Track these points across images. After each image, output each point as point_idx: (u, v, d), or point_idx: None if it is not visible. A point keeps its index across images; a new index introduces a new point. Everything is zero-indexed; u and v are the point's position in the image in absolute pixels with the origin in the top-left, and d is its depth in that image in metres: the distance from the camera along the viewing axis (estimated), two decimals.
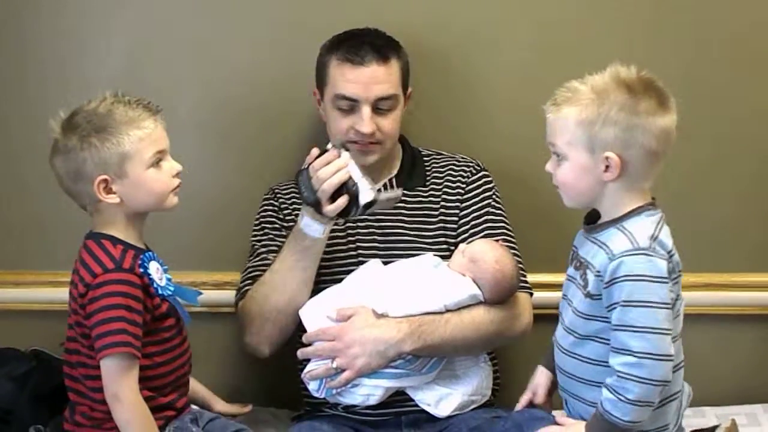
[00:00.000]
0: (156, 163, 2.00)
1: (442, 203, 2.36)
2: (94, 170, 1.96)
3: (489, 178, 2.40)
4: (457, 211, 2.35)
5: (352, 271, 2.27)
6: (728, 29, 2.52)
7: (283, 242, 2.31)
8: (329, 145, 2.17)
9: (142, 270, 1.98)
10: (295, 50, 2.50)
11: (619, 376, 1.82)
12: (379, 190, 2.19)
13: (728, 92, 2.55)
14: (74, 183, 1.99)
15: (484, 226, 2.34)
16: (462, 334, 2.16)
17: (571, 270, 1.98)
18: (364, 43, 2.26)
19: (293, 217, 2.36)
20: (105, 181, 1.96)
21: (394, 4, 2.52)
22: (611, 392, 1.83)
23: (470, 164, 2.41)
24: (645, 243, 1.83)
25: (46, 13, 2.53)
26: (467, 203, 2.36)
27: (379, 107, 2.26)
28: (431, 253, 2.28)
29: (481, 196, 2.37)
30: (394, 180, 2.38)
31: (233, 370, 2.64)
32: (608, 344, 1.87)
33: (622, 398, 1.81)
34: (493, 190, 2.39)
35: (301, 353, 2.21)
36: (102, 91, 2.02)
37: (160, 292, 2.01)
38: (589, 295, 1.89)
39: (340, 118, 2.28)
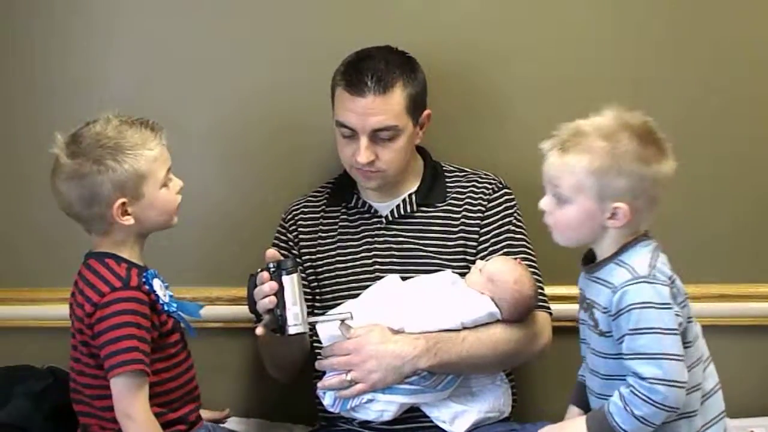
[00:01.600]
0: (167, 183, 2.02)
1: (463, 220, 2.34)
2: (112, 193, 1.96)
3: (511, 196, 2.38)
4: (478, 229, 2.33)
5: (368, 286, 2.26)
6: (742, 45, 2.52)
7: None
8: (261, 269, 2.13)
9: (147, 287, 1.98)
10: (307, 67, 2.51)
11: (632, 392, 1.82)
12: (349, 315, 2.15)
13: (744, 100, 2.54)
14: (88, 207, 1.98)
15: (504, 243, 2.32)
16: (479, 352, 2.15)
17: (581, 314, 1.98)
18: (365, 71, 2.22)
19: (301, 236, 2.38)
20: (123, 203, 1.97)
21: (412, 21, 2.51)
22: (620, 400, 1.84)
23: (493, 181, 2.39)
24: (645, 271, 1.84)
25: (56, 29, 2.54)
26: (488, 220, 2.34)
27: (378, 137, 2.24)
28: (449, 270, 2.27)
29: (502, 214, 2.35)
30: (414, 196, 2.36)
31: (249, 385, 2.64)
32: None
33: (629, 410, 1.82)
34: (515, 208, 2.37)
35: (318, 365, 2.20)
36: (106, 112, 2.02)
37: (165, 308, 2.02)
38: (602, 334, 1.90)
39: (344, 145, 2.28)
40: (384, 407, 2.16)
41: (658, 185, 1.85)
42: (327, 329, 2.18)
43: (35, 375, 2.28)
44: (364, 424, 2.24)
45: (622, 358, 1.85)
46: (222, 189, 2.58)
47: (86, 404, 2.03)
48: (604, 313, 1.87)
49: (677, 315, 1.84)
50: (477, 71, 2.54)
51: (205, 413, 2.30)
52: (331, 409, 2.19)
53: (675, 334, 1.83)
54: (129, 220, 1.99)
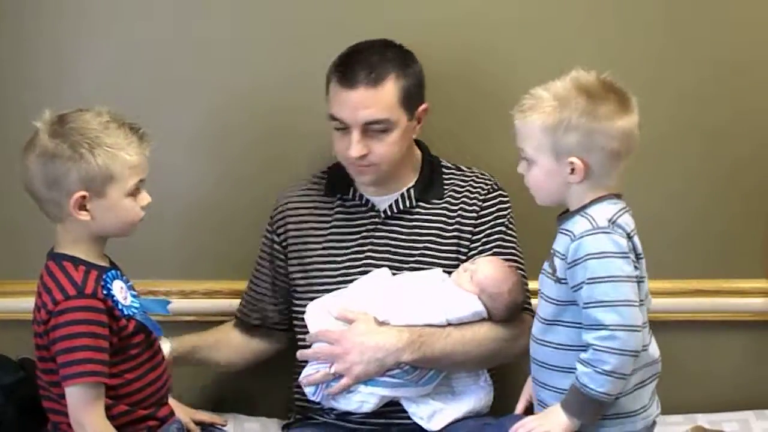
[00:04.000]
0: (135, 192, 1.97)
1: (458, 219, 2.33)
2: (74, 184, 1.92)
3: (505, 198, 2.37)
4: (472, 228, 2.32)
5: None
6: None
7: (266, 266, 2.39)
8: None
9: (105, 293, 1.95)
10: (294, 65, 2.50)
11: (594, 350, 1.86)
12: None
13: (720, 95, 2.55)
14: (48, 190, 1.93)
15: (495, 245, 2.31)
16: (462, 349, 2.16)
17: (545, 264, 2.02)
18: (357, 63, 2.21)
19: (289, 227, 2.37)
20: (83, 197, 1.93)
21: (410, 19, 2.49)
22: (586, 365, 1.87)
23: (489, 182, 2.38)
24: (604, 223, 1.91)
25: (46, 18, 2.50)
26: (482, 220, 2.33)
27: (371, 130, 2.22)
28: (440, 269, 2.27)
29: (495, 215, 2.34)
30: (412, 191, 2.35)
31: (222, 379, 2.62)
32: (574, 328, 1.93)
33: (599, 370, 1.86)
34: (508, 211, 2.36)
35: (300, 354, 2.20)
36: (96, 104, 1.99)
37: (125, 312, 1.97)
38: (558, 281, 1.95)
39: (338, 139, 2.25)
40: (364, 398, 2.15)
41: (613, 140, 1.90)
42: (318, 317, 2.18)
43: (6, 367, 2.24)
44: (341, 416, 2.24)
45: (581, 306, 1.89)
46: (197, 183, 2.56)
47: (55, 401, 2.00)
48: (562, 259, 1.93)
49: (634, 265, 1.90)
50: (477, 69, 2.53)
51: (203, 415, 2.32)
52: (312, 398, 2.19)
53: (632, 281, 1.88)
54: (85, 216, 1.94)
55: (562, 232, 1.97)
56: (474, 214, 2.33)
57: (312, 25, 2.50)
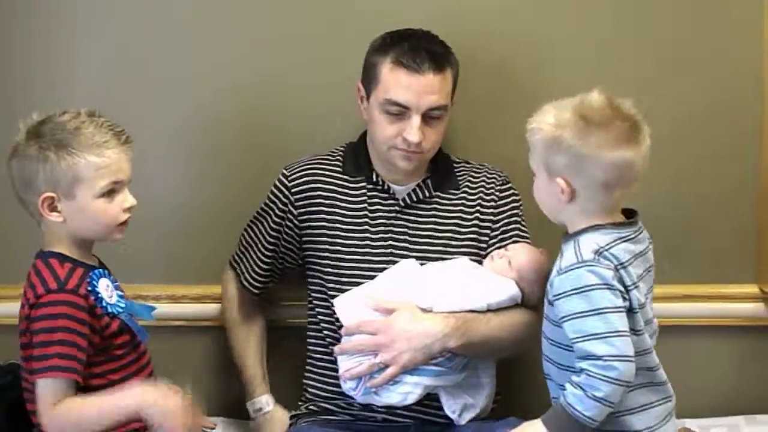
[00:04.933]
0: (108, 193, 1.96)
1: (478, 209, 2.34)
2: (42, 184, 1.93)
3: (516, 191, 2.39)
4: (492, 217, 2.34)
5: (383, 268, 2.25)
6: None
7: (275, 237, 2.36)
8: None
9: (90, 289, 1.94)
10: (286, 62, 2.50)
11: (588, 375, 1.86)
12: None
13: (706, 105, 2.55)
14: (24, 191, 1.97)
15: (513, 233, 2.34)
16: (501, 334, 2.17)
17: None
18: (421, 49, 2.21)
19: (304, 208, 2.34)
20: (51, 198, 1.93)
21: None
22: (577, 388, 1.86)
23: (501, 175, 2.40)
24: (588, 255, 1.89)
25: (37, 19, 2.51)
26: (500, 209, 2.35)
27: (429, 116, 2.22)
28: (466, 257, 2.28)
29: (511, 206, 2.37)
30: (429, 181, 2.34)
31: (213, 383, 2.61)
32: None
33: (589, 394, 1.85)
34: (521, 202, 2.38)
35: (339, 349, 2.18)
36: (82, 99, 2.01)
37: (109, 310, 1.97)
38: (550, 303, 1.96)
39: (387, 124, 2.24)
40: (410, 389, 2.14)
41: (602, 170, 1.89)
42: (352, 310, 2.17)
43: None
44: (364, 410, 2.24)
45: (569, 341, 1.89)
46: (186, 188, 2.56)
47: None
48: (550, 288, 1.95)
49: (624, 298, 1.90)
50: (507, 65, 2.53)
51: None
52: (353, 393, 2.17)
53: (619, 311, 1.87)
54: (57, 217, 1.95)
55: (559, 256, 1.96)
56: (493, 203, 2.35)
57: (300, 24, 2.50)
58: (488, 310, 2.18)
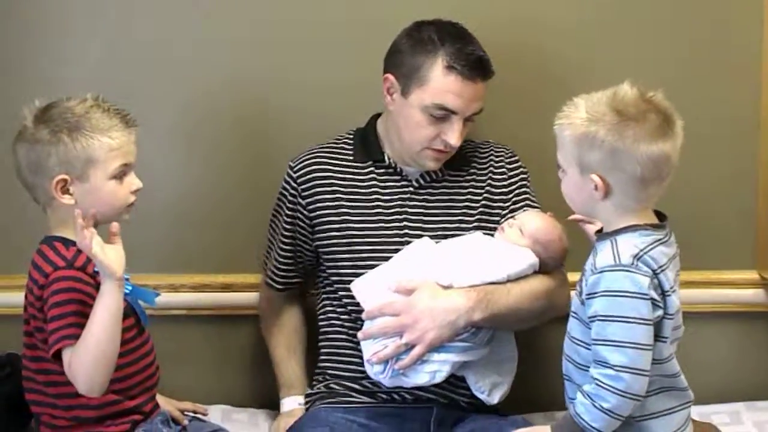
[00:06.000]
0: (119, 175, 1.98)
1: (489, 187, 2.34)
2: (56, 167, 1.94)
3: (522, 163, 2.40)
4: (504, 189, 2.34)
5: (397, 249, 2.24)
6: None
7: (291, 230, 2.34)
8: None
9: (96, 269, 1.94)
10: (285, 58, 2.49)
11: (597, 385, 1.83)
12: None
13: (706, 91, 2.55)
14: (33, 175, 1.96)
15: (524, 203, 2.34)
16: (523, 304, 2.16)
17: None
18: (474, 55, 2.18)
19: (312, 197, 2.32)
20: (64, 180, 1.94)
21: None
22: (586, 398, 1.85)
23: (507, 149, 2.40)
24: (627, 260, 1.84)
25: (28, 12, 2.49)
26: (511, 180, 2.35)
27: (467, 119, 2.23)
28: (479, 232, 2.27)
29: (520, 176, 2.37)
30: None
31: (212, 372, 2.62)
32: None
33: (597, 405, 1.83)
34: (528, 174, 2.39)
35: (363, 334, 2.17)
36: (81, 92, 2.00)
37: None
38: (582, 302, 1.91)
39: (428, 125, 2.21)
40: (437, 368, 2.14)
41: (639, 165, 1.83)
42: (371, 293, 2.16)
43: None
44: (390, 393, 2.24)
45: (591, 341, 1.86)
46: (186, 177, 2.55)
47: (39, 392, 2.01)
48: (585, 286, 1.90)
49: (656, 305, 1.85)
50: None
51: (186, 404, 2.33)
52: (380, 377, 2.16)
53: (646, 324, 1.83)
54: (69, 200, 1.95)
55: (594, 251, 1.92)
56: (504, 176, 2.35)
57: (300, 22, 2.49)
58: (508, 281, 2.17)
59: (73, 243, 1.96)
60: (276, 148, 2.50)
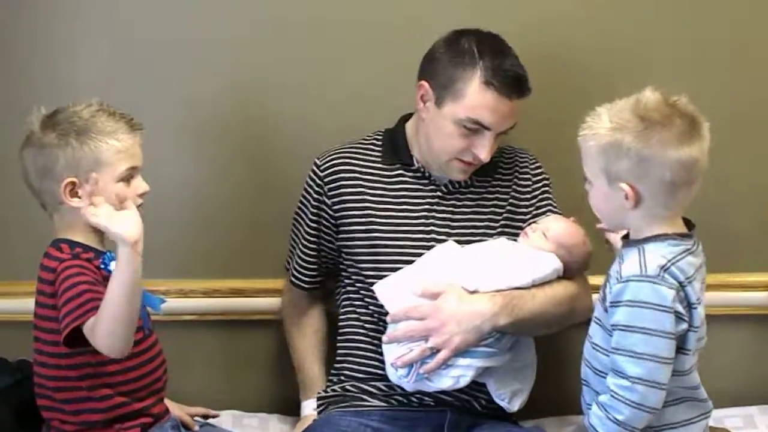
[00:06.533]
0: (126, 178, 1.99)
1: (514, 193, 2.33)
2: (64, 170, 1.95)
3: (545, 169, 2.40)
4: (528, 194, 2.34)
5: (423, 253, 2.23)
6: None
7: (315, 228, 2.34)
8: None
9: (102, 266, 1.97)
10: (291, 62, 2.49)
11: (612, 396, 1.82)
12: None
13: (729, 93, 2.53)
14: (40, 180, 1.98)
15: (546, 208, 2.34)
16: (547, 309, 2.16)
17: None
18: (514, 72, 2.16)
19: (338, 196, 2.32)
20: (72, 183, 1.95)
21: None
22: (601, 409, 1.84)
23: (531, 155, 2.40)
24: (654, 271, 1.82)
25: (40, 17, 2.49)
26: (535, 186, 2.35)
27: (499, 134, 2.22)
28: (504, 237, 2.27)
29: (543, 182, 2.37)
30: None
31: (222, 377, 2.62)
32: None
33: (611, 417, 1.82)
34: (550, 179, 2.39)
35: (388, 338, 2.16)
36: (86, 96, 2.01)
37: None
38: (606, 308, 1.90)
39: (460, 137, 2.20)
40: (462, 372, 2.13)
41: (667, 170, 1.81)
42: (395, 296, 2.15)
43: (3, 369, 2.25)
44: (407, 397, 2.23)
45: (610, 349, 1.85)
46: (194, 182, 2.55)
47: (48, 398, 2.01)
48: (609, 294, 1.88)
49: (681, 318, 1.83)
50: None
51: (196, 409, 2.32)
52: (404, 381, 2.15)
53: (668, 337, 1.81)
54: (78, 203, 1.96)
55: (619, 259, 1.90)
56: (528, 182, 2.35)
57: (297, 25, 2.49)
58: (533, 286, 2.17)
59: (79, 244, 1.98)
60: (287, 150, 2.50)
